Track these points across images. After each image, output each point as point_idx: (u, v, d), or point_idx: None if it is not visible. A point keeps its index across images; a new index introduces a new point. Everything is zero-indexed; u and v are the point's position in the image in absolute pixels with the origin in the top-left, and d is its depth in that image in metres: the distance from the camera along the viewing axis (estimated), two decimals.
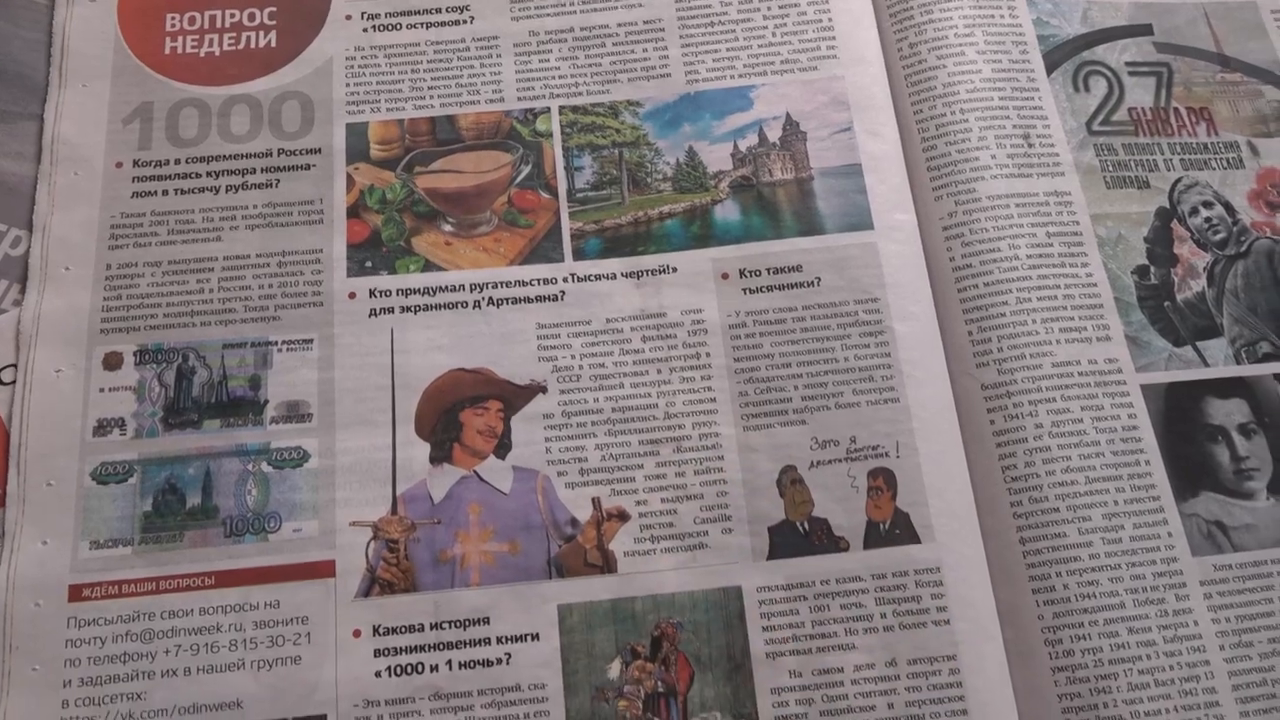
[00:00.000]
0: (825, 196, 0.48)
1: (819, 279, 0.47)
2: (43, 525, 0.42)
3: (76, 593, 0.41)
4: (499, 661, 0.41)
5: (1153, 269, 0.49)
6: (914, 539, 0.42)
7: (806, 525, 0.43)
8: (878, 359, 0.45)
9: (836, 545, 0.42)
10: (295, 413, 0.44)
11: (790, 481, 0.43)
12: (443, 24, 0.52)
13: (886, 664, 0.40)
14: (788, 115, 0.50)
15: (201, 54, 0.50)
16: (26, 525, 0.42)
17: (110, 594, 0.41)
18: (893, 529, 0.43)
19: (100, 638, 0.40)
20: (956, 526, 0.43)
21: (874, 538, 0.43)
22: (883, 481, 0.43)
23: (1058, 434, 0.44)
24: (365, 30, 0.51)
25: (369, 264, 0.47)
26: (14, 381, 0.43)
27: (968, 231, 0.48)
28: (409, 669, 0.40)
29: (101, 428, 0.43)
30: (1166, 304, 0.48)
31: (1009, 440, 0.44)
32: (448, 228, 0.48)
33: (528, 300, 0.46)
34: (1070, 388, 0.45)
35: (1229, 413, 0.46)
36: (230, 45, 0.51)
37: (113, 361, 0.44)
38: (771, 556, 0.42)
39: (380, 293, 0.46)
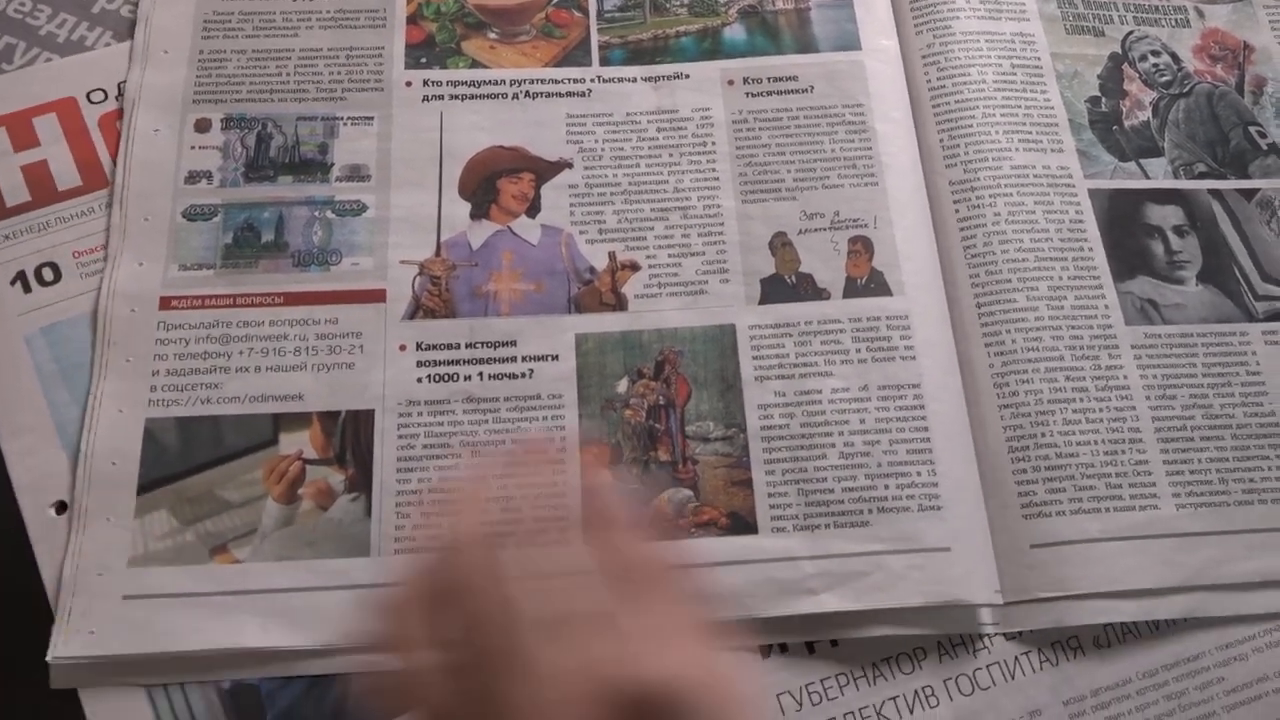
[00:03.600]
0: (820, 23, 0.56)
1: (812, 87, 0.54)
2: (140, 250, 0.49)
3: (166, 303, 0.48)
4: (523, 376, 0.47)
5: (1104, 99, 0.56)
6: (887, 292, 0.49)
7: (794, 278, 0.49)
8: (860, 151, 0.52)
9: (820, 294, 0.49)
10: (357, 174, 0.51)
11: (781, 244, 0.50)
12: None
13: (860, 388, 0.47)
14: None
15: None
16: (126, 250, 0.49)
17: (194, 305, 0.48)
18: (869, 283, 0.49)
19: (185, 339, 0.47)
20: (923, 285, 0.49)
21: (852, 290, 0.49)
22: (861, 246, 0.50)
23: (1013, 221, 0.51)
24: None
25: (423, 60, 0.54)
26: (103, 101, 0.51)
27: (943, 59, 0.55)
28: (446, 378, 0.47)
29: (192, 178, 0.50)
30: (1114, 128, 0.55)
31: (970, 225, 0.51)
32: (493, 35, 0.55)
33: (559, 95, 0.53)
34: (1026, 186, 0.52)
35: (1165, 216, 0.53)
36: None
37: (203, 125, 0.52)
38: (763, 302, 0.49)
39: (432, 83, 0.53)
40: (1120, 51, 0.57)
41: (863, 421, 0.46)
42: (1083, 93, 0.56)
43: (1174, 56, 0.58)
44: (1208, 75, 0.58)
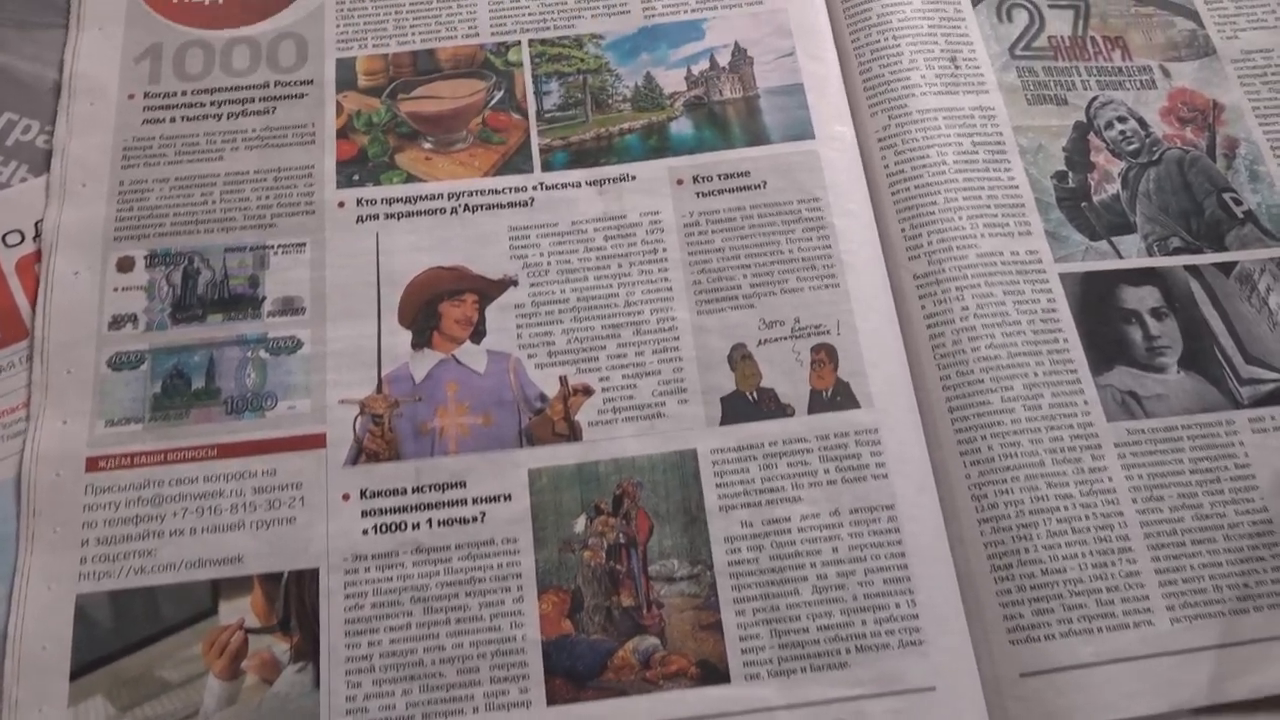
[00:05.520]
0: (771, 112, 0.53)
1: (765, 182, 0.51)
2: (63, 407, 0.46)
3: (93, 464, 0.45)
4: (474, 520, 0.45)
5: (1071, 174, 0.53)
6: (854, 405, 0.46)
7: (755, 394, 0.47)
8: (819, 250, 0.50)
9: (783, 411, 0.46)
10: (290, 307, 0.48)
11: (740, 357, 0.48)
12: None
13: (830, 513, 0.44)
14: (736, 44, 0.55)
15: (206, 2, 0.56)
16: (49, 408, 0.46)
17: (123, 464, 0.45)
18: (834, 396, 0.47)
19: (114, 503, 0.44)
20: (892, 394, 0.47)
21: (818, 404, 0.47)
22: (825, 355, 0.47)
23: (982, 315, 0.49)
24: None
25: (356, 177, 0.51)
26: (19, 244, 0.48)
27: (900, 142, 0.53)
28: (393, 527, 0.44)
29: (116, 322, 0.48)
30: (1084, 204, 0.53)
31: (938, 322, 0.49)
32: (427, 145, 0.53)
33: (500, 206, 0.51)
34: (994, 275, 0.50)
35: (1141, 298, 0.50)
36: None
37: (125, 264, 0.49)
38: (724, 422, 0.46)
39: (366, 202, 0.51)
40: (1085, 120, 0.55)
41: (835, 550, 0.44)
42: (1048, 168, 0.53)
43: (1141, 122, 0.55)
44: (1177, 140, 0.55)
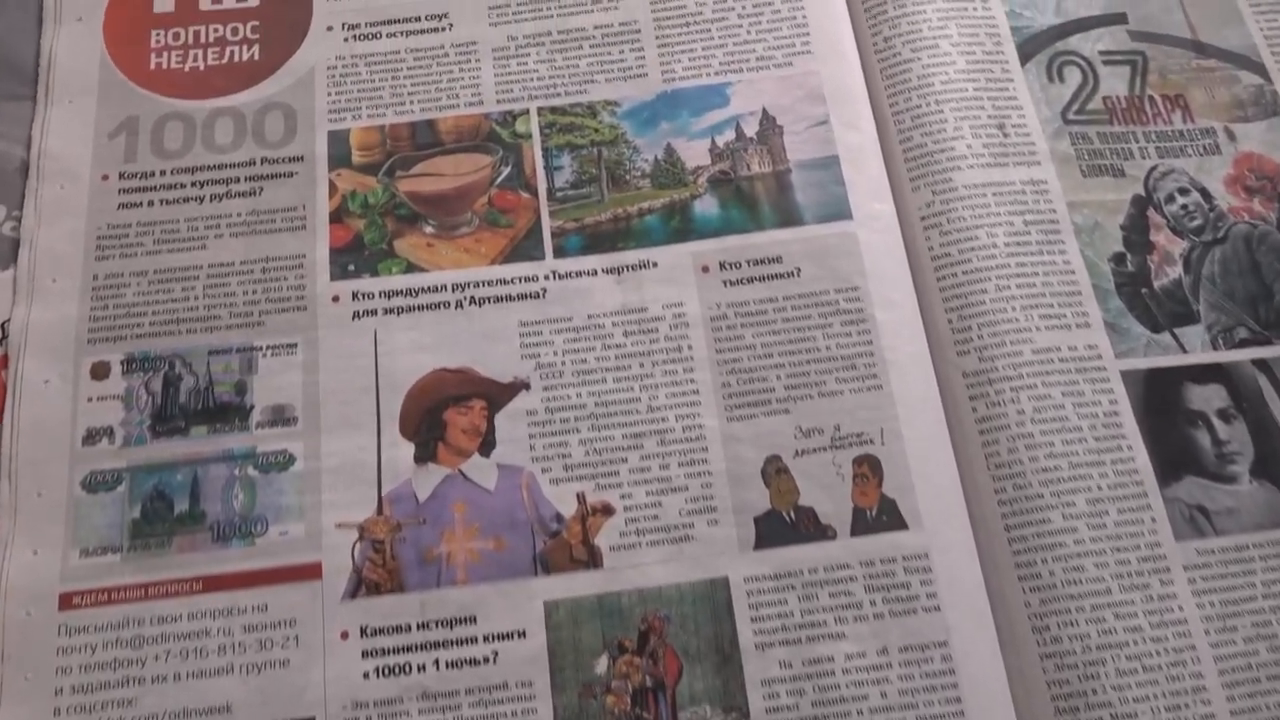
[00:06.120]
0: (803, 188, 0.49)
1: (799, 269, 0.47)
2: (34, 534, 0.42)
3: (67, 601, 0.41)
4: (486, 660, 0.41)
5: (1129, 256, 0.49)
6: (901, 525, 0.42)
7: (793, 514, 0.43)
8: (860, 347, 0.45)
9: (824, 533, 0.42)
10: (281, 417, 0.44)
11: (775, 471, 0.43)
12: (422, 31, 0.52)
13: (878, 652, 0.40)
14: (764, 110, 0.51)
15: (186, 69, 0.51)
16: (18, 535, 0.42)
17: (100, 601, 0.41)
18: (880, 515, 0.43)
19: (91, 645, 0.40)
20: (944, 512, 0.43)
21: (861, 524, 0.43)
22: (868, 468, 0.43)
23: (1040, 420, 0.44)
24: (346, 40, 0.52)
25: (351, 267, 0.47)
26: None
27: (945, 221, 0.48)
28: (397, 670, 0.40)
29: (90, 437, 0.44)
30: (1144, 291, 0.48)
31: (992, 427, 0.45)
32: (429, 229, 0.48)
33: (509, 299, 0.47)
34: (1051, 374, 0.45)
35: (1208, 398, 0.46)
36: (214, 59, 0.51)
37: (100, 371, 0.45)
38: (758, 546, 0.42)
39: (363, 295, 0.46)
40: (1144, 193, 0.50)
41: (884, 695, 0.40)
42: (1105, 249, 0.49)
43: (1204, 193, 0.51)
44: (1244, 213, 0.51)
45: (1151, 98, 0.53)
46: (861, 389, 0.45)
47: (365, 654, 0.41)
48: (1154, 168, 0.51)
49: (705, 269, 0.47)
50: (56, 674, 0.40)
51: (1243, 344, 0.47)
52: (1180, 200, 0.51)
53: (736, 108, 0.51)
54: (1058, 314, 0.47)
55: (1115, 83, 0.53)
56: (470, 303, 0.47)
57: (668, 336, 0.46)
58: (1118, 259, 0.49)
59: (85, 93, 0.50)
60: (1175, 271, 0.49)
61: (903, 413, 0.44)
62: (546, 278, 0.47)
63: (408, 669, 0.40)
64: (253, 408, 0.44)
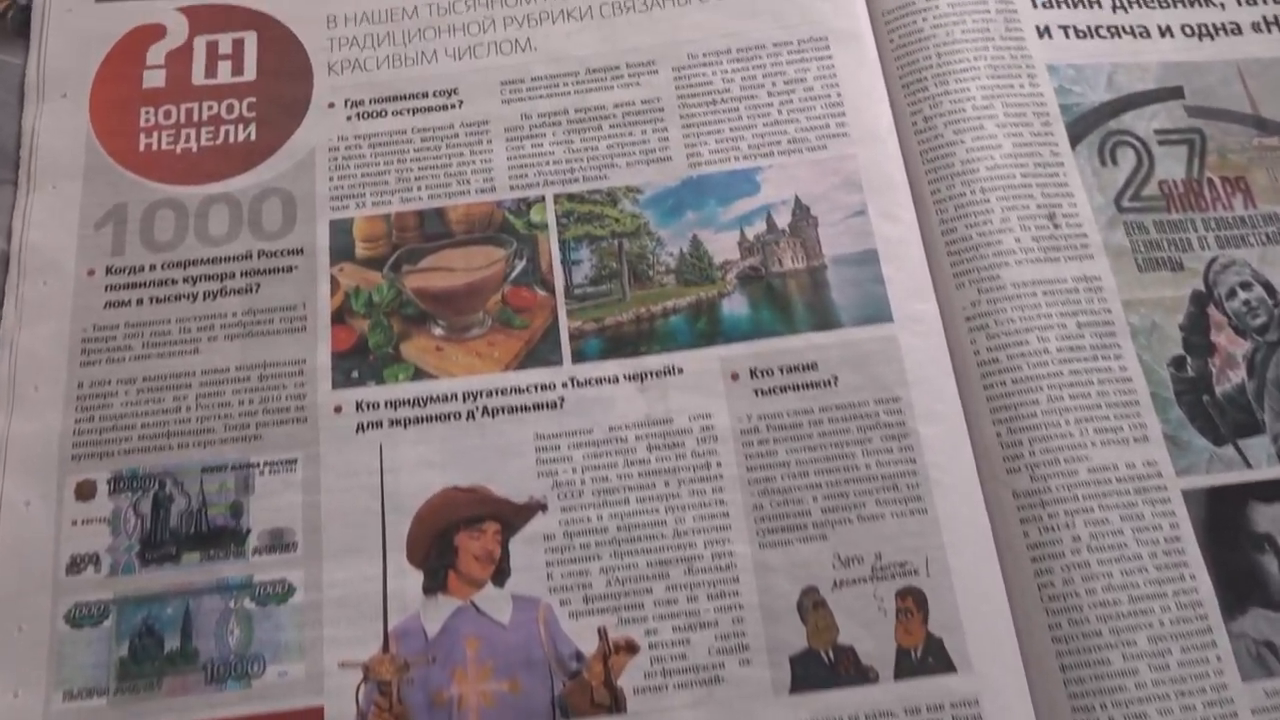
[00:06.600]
0: (840, 287, 0.45)
1: (836, 378, 0.44)
2: (14, 675, 0.39)
3: None
4: None
5: (1189, 360, 0.46)
6: (949, 667, 0.39)
7: (831, 654, 0.40)
8: (902, 465, 0.42)
9: (865, 676, 0.39)
10: (279, 542, 0.41)
11: (812, 605, 0.40)
12: (430, 109, 0.49)
13: None
14: (797, 199, 0.47)
15: (178, 150, 0.48)
16: None
17: None
18: (925, 656, 0.40)
19: None
20: (995, 653, 0.40)
21: (905, 667, 0.40)
22: (913, 603, 0.40)
23: (1097, 548, 0.41)
24: (349, 119, 0.49)
25: (355, 374, 0.44)
26: None
27: (992, 322, 0.45)
28: None
29: (75, 565, 0.41)
30: (1205, 398, 0.45)
31: (1045, 555, 0.41)
32: (438, 331, 0.45)
33: (525, 409, 0.43)
34: (1108, 495, 0.42)
35: (1275, 518, 0.43)
36: (208, 140, 0.48)
37: (85, 491, 0.42)
38: (794, 690, 0.39)
39: (368, 405, 0.43)
40: (1204, 288, 0.47)
41: None
42: (1164, 353, 0.46)
43: (1268, 288, 0.47)
44: None
45: (1210, 180, 0.50)
46: (904, 512, 0.42)
47: None
48: (1214, 259, 0.48)
49: (734, 376, 0.44)
50: None
51: None
52: (1242, 295, 0.47)
53: (767, 196, 0.47)
54: (1114, 427, 0.43)
55: (1172, 164, 0.50)
56: (483, 413, 0.43)
57: (695, 452, 0.43)
58: (1177, 363, 0.45)
59: (70, 177, 0.47)
60: (1238, 376, 0.46)
61: (949, 540, 0.41)
62: (565, 385, 0.44)
63: None
64: (249, 531, 0.41)
